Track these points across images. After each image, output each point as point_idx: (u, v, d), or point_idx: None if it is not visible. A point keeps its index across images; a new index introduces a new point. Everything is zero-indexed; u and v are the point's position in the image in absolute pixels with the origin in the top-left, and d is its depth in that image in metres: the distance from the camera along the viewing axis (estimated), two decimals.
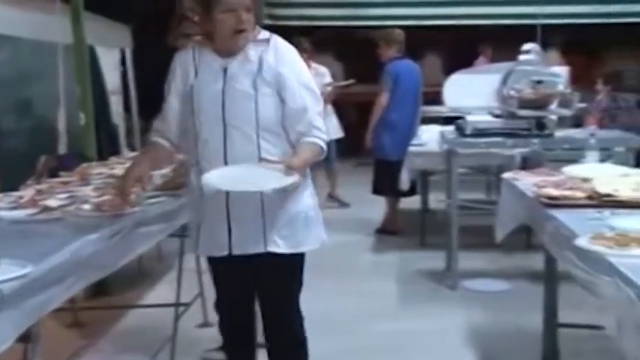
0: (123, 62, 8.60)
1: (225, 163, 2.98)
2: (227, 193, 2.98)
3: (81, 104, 5.85)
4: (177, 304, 4.40)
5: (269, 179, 2.88)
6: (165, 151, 3.24)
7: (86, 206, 3.25)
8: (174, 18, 3.68)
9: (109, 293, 5.49)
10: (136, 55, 8.80)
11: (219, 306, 3.41)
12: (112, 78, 8.09)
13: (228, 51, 3.04)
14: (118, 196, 3.18)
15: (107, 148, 6.82)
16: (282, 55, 3.06)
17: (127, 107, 8.73)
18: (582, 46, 11.02)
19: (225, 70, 3.03)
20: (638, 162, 5.65)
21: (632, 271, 2.22)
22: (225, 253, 3.10)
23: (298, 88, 3.05)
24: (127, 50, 8.68)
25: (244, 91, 3.00)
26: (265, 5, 9.66)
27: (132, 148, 7.92)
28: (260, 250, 3.08)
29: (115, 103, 8.21)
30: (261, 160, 2.97)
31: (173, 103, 3.14)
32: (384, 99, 7.23)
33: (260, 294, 3.27)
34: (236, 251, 3.08)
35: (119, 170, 4.17)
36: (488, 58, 10.61)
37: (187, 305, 4.58)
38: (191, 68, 3.09)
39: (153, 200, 3.49)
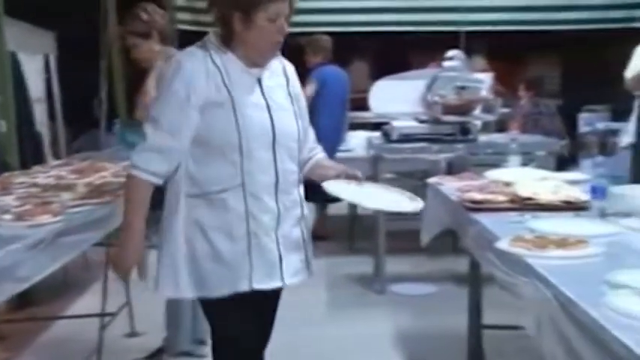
0: (47, 69, 8.45)
1: (277, 182, 2.73)
2: (277, 219, 2.74)
3: (2, 111, 5.73)
4: (102, 314, 4.35)
5: (400, 201, 2.89)
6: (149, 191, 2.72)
7: (7, 216, 3.18)
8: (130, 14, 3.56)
9: (34, 304, 5.39)
10: (61, 62, 8.66)
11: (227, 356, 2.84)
12: (35, 85, 7.95)
13: (257, 61, 2.73)
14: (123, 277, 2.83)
15: (30, 157, 6.69)
16: (291, 68, 2.95)
17: (51, 115, 8.58)
18: (506, 52, 11.23)
19: (259, 83, 2.74)
20: (558, 166, 5.80)
21: (548, 271, 2.29)
22: (279, 284, 2.79)
23: (304, 103, 2.97)
24: (51, 56, 8.54)
25: (284, 105, 2.78)
26: (192, 11, 9.58)
27: (57, 157, 7.79)
28: (304, 278, 2.90)
29: (39, 111, 8.06)
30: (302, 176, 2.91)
31: (194, 117, 2.64)
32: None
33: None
34: (288, 281, 2.81)
35: (42, 180, 4.10)
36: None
37: (113, 315, 4.52)
38: (216, 77, 2.66)
39: (77, 209, 3.44)
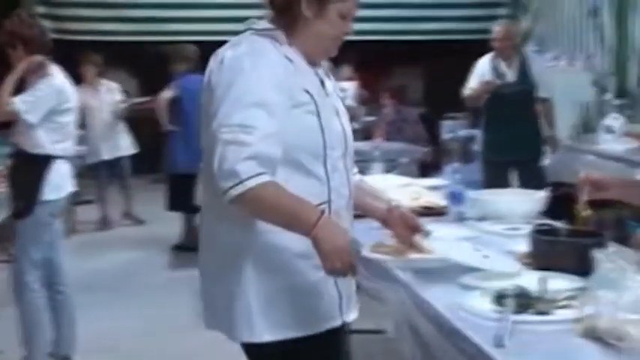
0: None
1: (349, 197, 2.38)
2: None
3: None
4: None
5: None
6: None
7: None
8: None
9: None
10: None
11: None
12: None
13: (315, 59, 2.34)
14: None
15: None
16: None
17: None
18: (374, 62, 11.44)
19: (322, 84, 2.34)
20: (422, 172, 5.96)
21: (406, 275, 2.35)
22: (356, 314, 2.43)
23: None
24: None
25: (344, 110, 2.43)
26: (54, 19, 9.36)
27: None
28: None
29: None
30: None
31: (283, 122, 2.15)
32: (161, 103, 7.24)
33: None
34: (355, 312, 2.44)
35: None
36: None
37: None
38: (291, 74, 2.21)
39: None
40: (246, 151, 2.02)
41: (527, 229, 2.74)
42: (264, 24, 2.29)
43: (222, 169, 2.03)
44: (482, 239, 2.87)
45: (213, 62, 2.27)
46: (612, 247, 2.30)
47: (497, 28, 6.28)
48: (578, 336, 1.86)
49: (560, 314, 1.98)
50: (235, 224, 2.19)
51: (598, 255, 1.90)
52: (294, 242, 2.15)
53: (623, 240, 3.15)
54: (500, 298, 2.00)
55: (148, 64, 9.68)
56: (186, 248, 7.45)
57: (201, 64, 7.34)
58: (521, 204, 3.25)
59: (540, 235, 2.49)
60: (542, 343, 1.85)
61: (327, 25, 2.26)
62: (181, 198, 7.21)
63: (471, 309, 2.03)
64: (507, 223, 3.12)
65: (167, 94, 7.25)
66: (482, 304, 2.05)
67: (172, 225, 7.61)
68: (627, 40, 6.56)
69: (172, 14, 10.16)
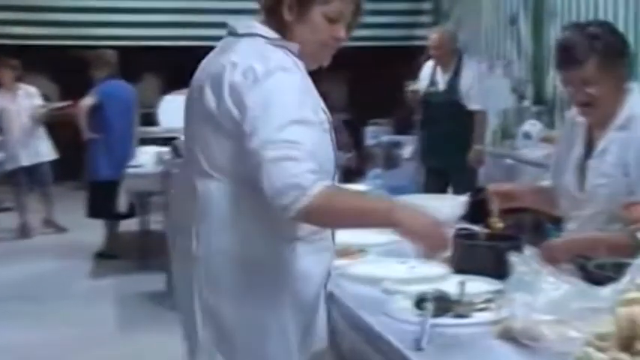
0: None
1: None
2: None
3: None
4: None
5: None
6: None
7: None
8: None
9: None
10: None
11: None
12: None
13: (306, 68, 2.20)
14: None
15: None
16: None
17: None
18: None
19: None
20: (346, 178, 5.98)
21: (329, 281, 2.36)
22: None
23: None
24: None
25: None
26: None
27: None
28: None
29: None
30: None
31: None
32: (82, 111, 7.13)
33: None
34: None
35: None
36: None
37: None
38: (313, 90, 2.16)
39: None
40: (299, 165, 1.93)
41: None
42: (267, 31, 2.15)
43: (277, 186, 1.92)
44: (404, 244, 2.91)
45: (230, 71, 2.07)
46: (528, 251, 2.36)
47: (432, 36, 6.30)
48: (495, 337, 1.90)
49: (478, 317, 2.03)
50: (271, 245, 2.09)
51: (514, 258, 1.94)
52: (317, 265, 2.14)
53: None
54: (420, 301, 2.03)
55: (68, 69, 9.52)
56: (108, 256, 7.35)
57: (121, 69, 7.33)
58: (440, 209, 3.30)
59: (459, 239, 2.54)
60: (460, 346, 1.89)
61: (310, 29, 2.15)
62: (103, 205, 7.11)
63: (392, 313, 2.06)
64: None
65: (87, 101, 7.14)
66: (404, 308, 2.08)
67: (94, 232, 7.49)
68: (544, 49, 6.73)
69: (93, 18, 10.01)
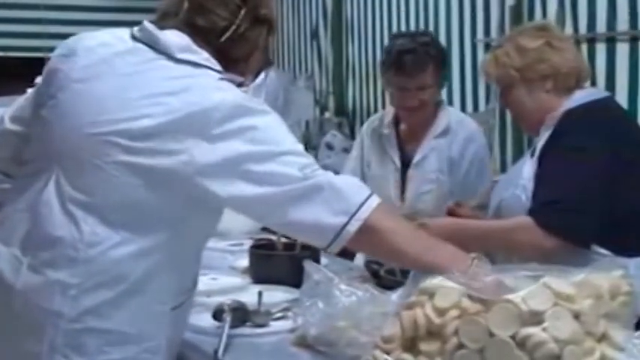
0: None
1: None
2: None
3: None
4: None
5: None
6: None
7: None
8: None
9: None
10: None
11: None
12: None
13: None
14: None
15: None
16: None
17: None
18: None
19: None
20: None
21: None
22: None
23: None
24: None
25: None
26: None
27: None
28: None
29: None
30: None
31: None
32: None
33: None
34: None
35: None
36: None
37: None
38: None
39: None
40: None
41: (248, 244, 2.85)
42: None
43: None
44: (208, 256, 2.92)
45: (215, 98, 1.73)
46: (324, 259, 2.44)
47: None
48: (293, 345, 1.95)
49: (275, 325, 2.08)
50: None
51: (308, 267, 2.00)
52: None
53: None
54: (218, 313, 2.05)
55: None
56: None
57: None
58: (240, 220, 3.33)
59: (257, 249, 2.58)
60: (258, 355, 1.93)
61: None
62: None
63: (191, 326, 2.06)
64: (231, 239, 3.20)
65: None
66: (203, 320, 2.09)
67: None
68: (344, 62, 6.91)
69: None
